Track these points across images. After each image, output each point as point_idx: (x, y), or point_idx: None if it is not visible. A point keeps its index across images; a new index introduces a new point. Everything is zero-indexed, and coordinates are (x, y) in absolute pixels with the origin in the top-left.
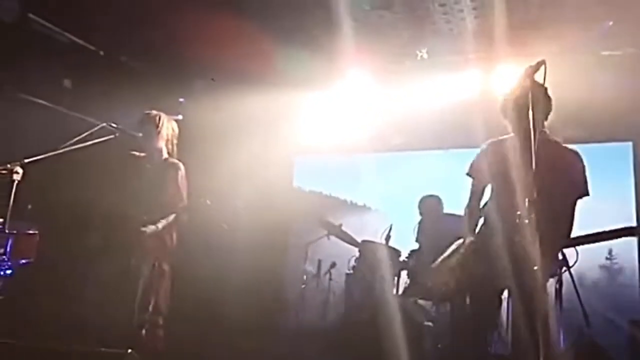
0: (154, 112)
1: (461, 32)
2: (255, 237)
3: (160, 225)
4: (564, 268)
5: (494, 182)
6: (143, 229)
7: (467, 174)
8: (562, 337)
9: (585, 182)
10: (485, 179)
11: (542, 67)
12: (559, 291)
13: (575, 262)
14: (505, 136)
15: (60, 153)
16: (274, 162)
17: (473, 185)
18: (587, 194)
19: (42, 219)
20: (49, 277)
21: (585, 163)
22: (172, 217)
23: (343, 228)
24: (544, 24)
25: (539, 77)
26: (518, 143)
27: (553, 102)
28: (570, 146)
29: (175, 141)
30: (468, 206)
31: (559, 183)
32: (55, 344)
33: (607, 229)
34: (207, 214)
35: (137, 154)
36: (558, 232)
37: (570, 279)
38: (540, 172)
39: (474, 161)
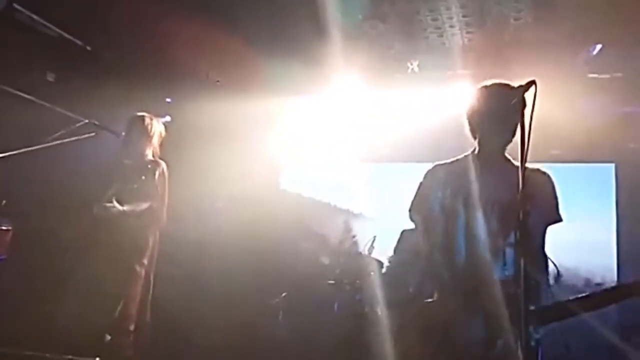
0: (145, 114)
1: (453, 47)
2: (238, 242)
3: (126, 207)
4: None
5: (455, 213)
6: (107, 204)
7: (410, 215)
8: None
9: (557, 206)
10: (440, 211)
11: (532, 88)
12: None
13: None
14: (454, 158)
15: (37, 148)
16: (261, 168)
17: (424, 223)
18: (560, 220)
19: (16, 215)
20: (20, 275)
21: (556, 185)
22: (144, 205)
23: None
24: (533, 45)
25: (528, 97)
26: (481, 163)
27: (536, 123)
28: (538, 166)
29: (160, 143)
30: (427, 251)
31: (530, 208)
32: (19, 350)
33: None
34: (190, 217)
35: (126, 161)
36: (534, 264)
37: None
38: (509, 196)
39: (417, 196)
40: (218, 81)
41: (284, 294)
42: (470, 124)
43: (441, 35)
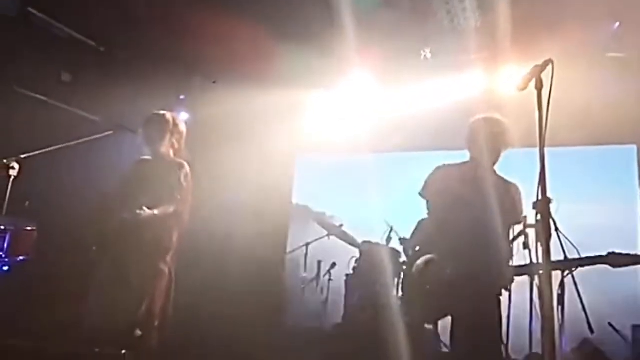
0: (164, 112)
1: (465, 31)
2: (254, 235)
3: (157, 211)
4: (567, 272)
5: (447, 204)
6: (138, 211)
7: (420, 195)
8: (564, 343)
9: (521, 211)
10: (440, 199)
11: (549, 67)
12: (561, 296)
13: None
14: (459, 162)
15: (59, 148)
16: (275, 160)
17: (428, 203)
18: (520, 222)
19: (40, 216)
20: (45, 275)
21: (523, 194)
22: (171, 208)
23: (343, 228)
24: (549, 25)
25: (546, 77)
26: (476, 171)
27: (555, 104)
28: (509, 179)
29: (182, 141)
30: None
31: (502, 210)
32: (48, 345)
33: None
34: (208, 212)
35: (146, 157)
36: (502, 253)
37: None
38: (490, 198)
39: (427, 182)
40: (214, 82)
41: (302, 286)
42: (467, 146)
43: (453, 20)
